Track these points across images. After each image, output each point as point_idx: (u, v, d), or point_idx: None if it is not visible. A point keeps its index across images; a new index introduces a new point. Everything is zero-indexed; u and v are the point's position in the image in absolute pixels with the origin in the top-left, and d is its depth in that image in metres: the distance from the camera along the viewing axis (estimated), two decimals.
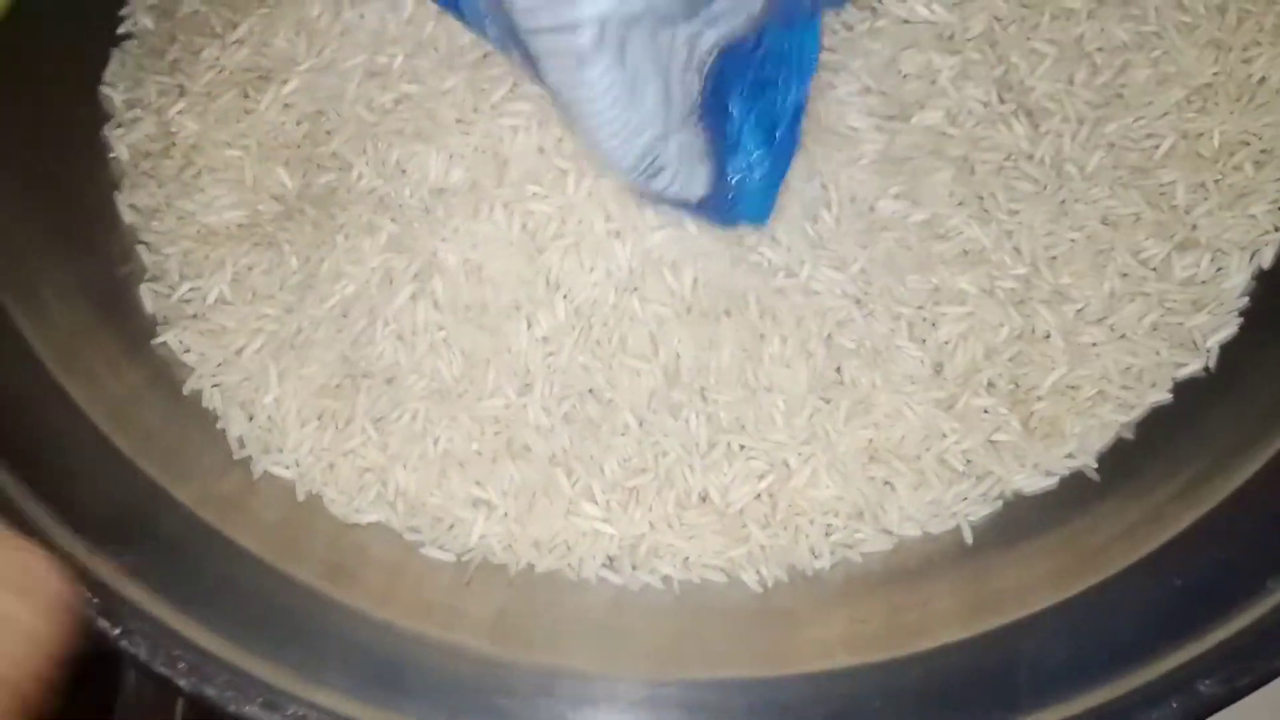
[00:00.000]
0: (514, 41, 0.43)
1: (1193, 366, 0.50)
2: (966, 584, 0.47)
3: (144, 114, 0.54)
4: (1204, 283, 0.50)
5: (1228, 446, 0.47)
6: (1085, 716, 0.41)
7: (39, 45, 0.55)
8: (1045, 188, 0.50)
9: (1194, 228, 0.50)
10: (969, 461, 0.49)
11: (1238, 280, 0.50)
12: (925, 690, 0.44)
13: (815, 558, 0.49)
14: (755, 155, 0.45)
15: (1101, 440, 0.49)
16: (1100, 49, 0.52)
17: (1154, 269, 0.50)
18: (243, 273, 0.51)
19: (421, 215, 0.49)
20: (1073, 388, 0.49)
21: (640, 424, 0.49)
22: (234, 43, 0.54)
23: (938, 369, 0.49)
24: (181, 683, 0.42)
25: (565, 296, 0.48)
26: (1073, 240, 0.50)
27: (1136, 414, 0.49)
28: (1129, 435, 0.49)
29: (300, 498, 0.50)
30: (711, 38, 0.43)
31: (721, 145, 0.45)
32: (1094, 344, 0.50)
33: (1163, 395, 0.49)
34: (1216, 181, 0.51)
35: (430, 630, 0.47)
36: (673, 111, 0.43)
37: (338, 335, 0.50)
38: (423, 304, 0.49)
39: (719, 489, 0.49)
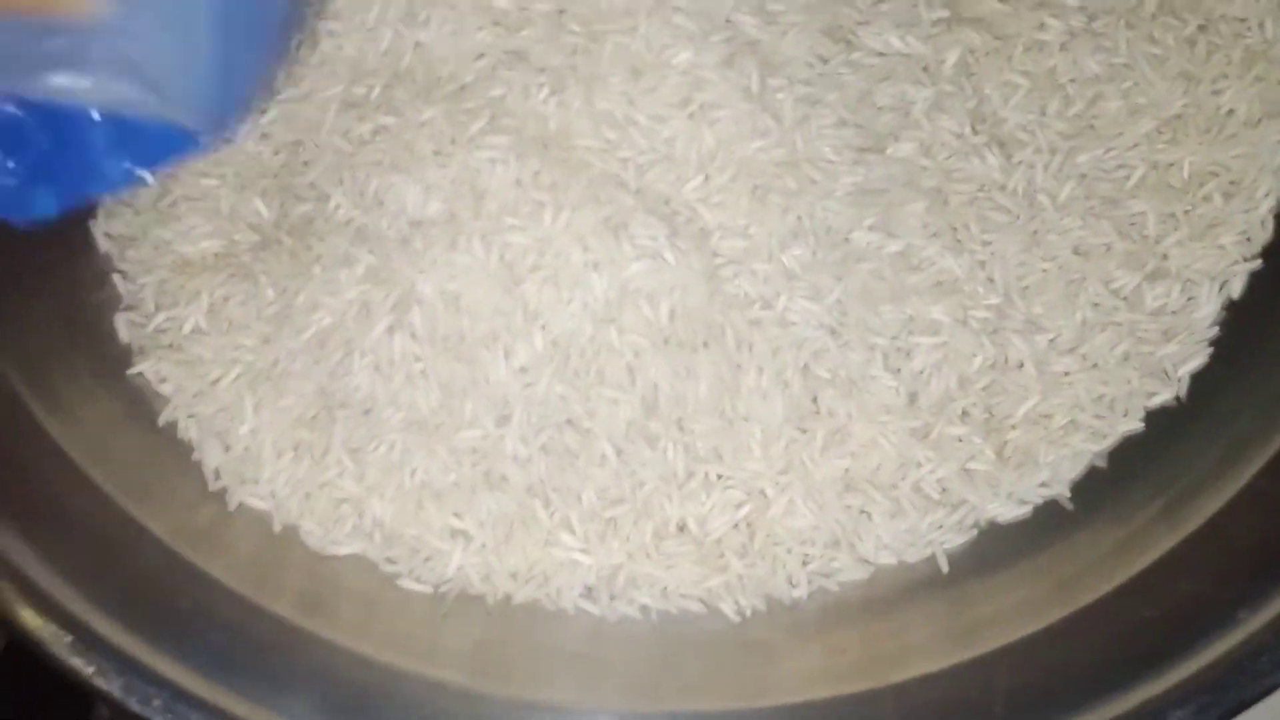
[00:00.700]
0: None
1: (1164, 396, 0.50)
2: (943, 613, 0.47)
3: None
4: (1175, 313, 0.51)
5: (1199, 476, 0.47)
6: None
7: None
8: (1018, 218, 0.51)
9: (1164, 258, 0.51)
10: (944, 490, 0.49)
11: (1208, 310, 0.51)
12: None
13: (793, 587, 0.49)
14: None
15: (1074, 469, 0.50)
16: (1073, 80, 0.52)
17: (1125, 299, 0.51)
18: (219, 303, 0.51)
19: (399, 246, 0.49)
20: (1046, 416, 0.50)
21: (618, 454, 0.49)
22: None
23: (912, 398, 0.49)
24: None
25: (543, 327, 0.48)
26: (1045, 270, 0.51)
27: (1109, 443, 0.50)
28: (1102, 464, 0.50)
29: (276, 529, 0.50)
30: None
31: None
32: (1066, 373, 0.50)
33: (1134, 424, 0.50)
34: (1186, 212, 0.51)
35: (408, 663, 0.47)
36: None
37: (314, 366, 0.50)
38: (400, 335, 0.49)
39: (697, 519, 0.49)
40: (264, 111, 0.52)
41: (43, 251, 0.52)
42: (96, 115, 0.46)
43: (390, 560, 0.49)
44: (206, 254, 0.52)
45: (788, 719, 0.45)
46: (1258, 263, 0.51)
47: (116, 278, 0.53)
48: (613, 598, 0.49)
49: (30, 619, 0.43)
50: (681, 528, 0.49)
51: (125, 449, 0.50)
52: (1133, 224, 0.51)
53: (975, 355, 0.49)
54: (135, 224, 0.53)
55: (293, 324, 0.50)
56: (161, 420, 0.51)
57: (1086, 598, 0.45)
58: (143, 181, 0.49)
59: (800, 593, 0.49)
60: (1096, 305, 0.50)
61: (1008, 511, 0.50)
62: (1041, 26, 0.52)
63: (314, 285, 0.50)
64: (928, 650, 0.46)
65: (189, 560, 0.47)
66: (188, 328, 0.51)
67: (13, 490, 0.47)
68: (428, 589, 0.49)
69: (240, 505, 0.50)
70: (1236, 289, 0.51)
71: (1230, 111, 0.52)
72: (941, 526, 0.49)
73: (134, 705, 0.41)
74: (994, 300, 0.50)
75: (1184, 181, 0.52)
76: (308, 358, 0.50)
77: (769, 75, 0.50)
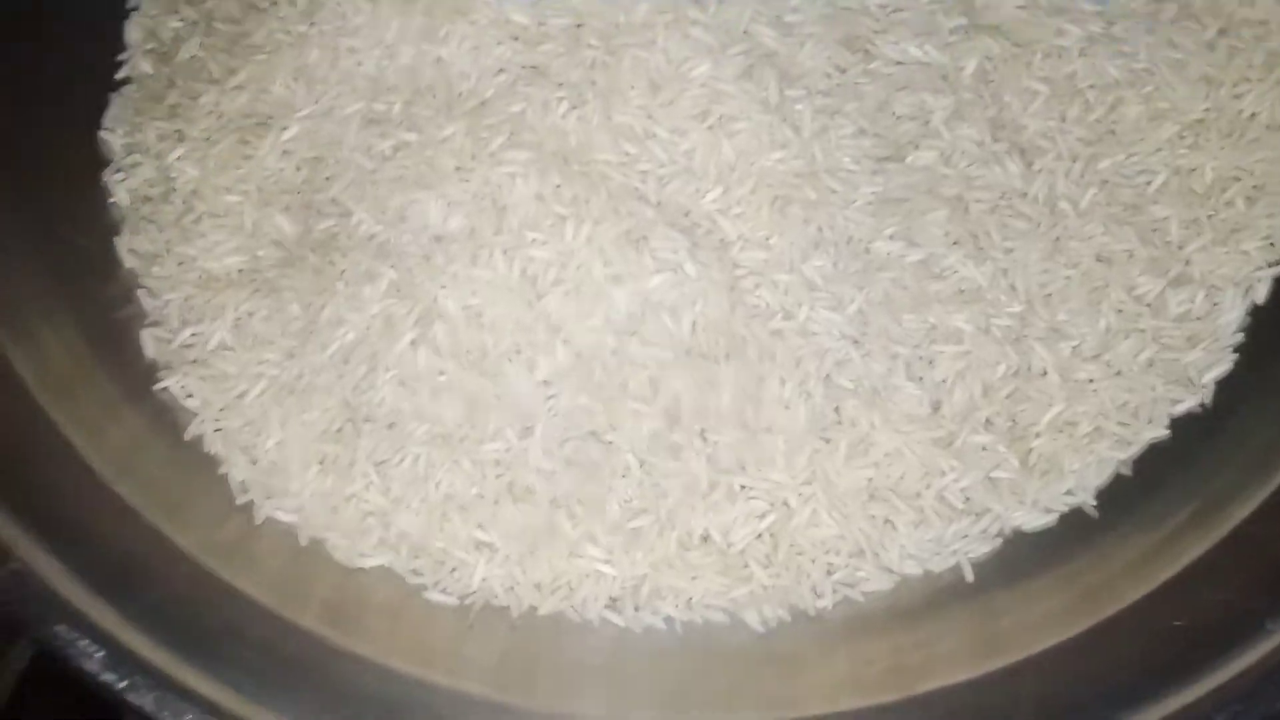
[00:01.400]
0: None
1: (1189, 403, 0.50)
2: (969, 623, 0.47)
3: (143, 159, 0.55)
4: (1199, 319, 0.50)
5: (1227, 483, 0.47)
6: None
7: (39, 89, 0.55)
8: (1039, 225, 0.51)
9: (1187, 263, 0.51)
10: (968, 499, 0.49)
11: (1232, 316, 0.50)
12: None
13: (817, 597, 0.49)
14: None
15: (1100, 477, 0.50)
16: (1092, 86, 0.52)
17: (1149, 305, 0.50)
18: (244, 319, 0.52)
19: (421, 262, 0.49)
20: (1070, 424, 0.50)
21: (641, 465, 0.49)
22: (233, 88, 0.54)
23: (936, 407, 0.49)
24: None
25: (565, 340, 0.49)
26: (1067, 277, 0.50)
27: (1134, 450, 0.50)
28: (1127, 472, 0.50)
29: (303, 543, 0.50)
30: None
31: None
32: (1090, 380, 0.50)
33: (1160, 431, 0.50)
34: (1209, 217, 0.51)
35: (434, 675, 0.47)
36: None
37: (339, 381, 0.50)
38: (423, 350, 0.49)
39: (720, 529, 0.49)
40: (285, 128, 0.52)
41: (68, 269, 0.53)
42: None
43: (416, 572, 0.50)
44: (231, 270, 0.52)
45: None
46: None
47: (142, 294, 0.53)
48: (637, 609, 0.49)
49: (63, 634, 0.44)
50: (705, 538, 0.49)
51: (152, 464, 0.51)
52: (1155, 230, 0.51)
53: (998, 363, 0.49)
54: (159, 240, 0.54)
55: (317, 339, 0.50)
56: (188, 435, 0.51)
57: (1113, 607, 0.45)
58: None
59: (825, 603, 0.49)
60: (1120, 312, 0.50)
61: (1033, 520, 0.49)
62: (1060, 32, 0.52)
63: (338, 300, 0.50)
64: (954, 660, 0.45)
65: (217, 574, 0.47)
66: (213, 343, 0.52)
67: (41, 506, 0.47)
68: (453, 601, 0.49)
69: (267, 519, 0.50)
70: (1261, 294, 0.51)
71: (1252, 115, 0.52)
72: (966, 536, 0.49)
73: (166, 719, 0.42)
74: (1016, 308, 0.50)
75: (1206, 186, 0.51)
76: (332, 372, 0.50)
77: (787, 86, 0.50)
